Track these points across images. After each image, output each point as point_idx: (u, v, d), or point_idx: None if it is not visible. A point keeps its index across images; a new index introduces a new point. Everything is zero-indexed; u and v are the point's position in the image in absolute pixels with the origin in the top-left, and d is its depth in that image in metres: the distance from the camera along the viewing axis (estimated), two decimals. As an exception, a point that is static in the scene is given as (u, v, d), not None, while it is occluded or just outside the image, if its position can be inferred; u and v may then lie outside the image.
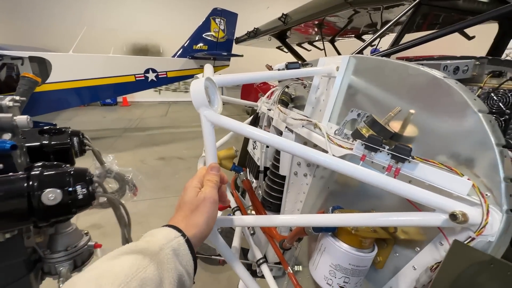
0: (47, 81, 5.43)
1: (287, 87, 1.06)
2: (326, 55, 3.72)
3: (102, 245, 0.97)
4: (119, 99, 10.31)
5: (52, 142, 0.95)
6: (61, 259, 0.88)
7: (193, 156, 5.31)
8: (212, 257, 2.62)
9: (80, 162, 0.95)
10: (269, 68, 1.22)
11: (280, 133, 1.04)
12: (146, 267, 0.39)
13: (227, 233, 1.15)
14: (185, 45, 6.90)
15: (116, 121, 7.88)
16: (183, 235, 0.47)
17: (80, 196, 0.75)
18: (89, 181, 0.79)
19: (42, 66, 5.41)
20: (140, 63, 6.32)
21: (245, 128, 0.53)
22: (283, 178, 0.99)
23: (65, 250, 0.88)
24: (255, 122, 1.33)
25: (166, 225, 0.49)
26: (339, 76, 0.87)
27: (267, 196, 1.04)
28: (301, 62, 3.28)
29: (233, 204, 1.11)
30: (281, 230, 0.99)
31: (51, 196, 0.71)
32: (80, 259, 0.92)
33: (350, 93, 0.86)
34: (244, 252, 1.10)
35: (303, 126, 0.85)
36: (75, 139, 0.99)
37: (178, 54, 6.88)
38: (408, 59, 1.41)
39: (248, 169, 1.34)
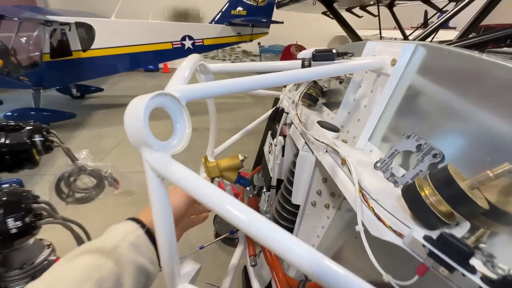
0: (92, 47, 5.63)
1: (315, 82, 0.77)
2: (380, 26, 3.09)
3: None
4: (161, 65, 10.52)
5: (8, 142, 0.80)
6: (16, 278, 0.77)
7: (224, 129, 5.21)
8: (229, 236, 2.61)
9: (49, 160, 0.84)
10: (294, 53, 0.91)
11: (297, 149, 0.78)
12: (102, 265, 0.39)
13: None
14: (223, 9, 6.48)
15: (156, 88, 7.77)
16: (143, 226, 0.47)
17: (14, 231, 0.63)
18: (27, 210, 0.66)
19: (88, 32, 5.58)
20: (177, 29, 6.16)
21: (203, 190, 0.31)
22: (295, 205, 0.76)
23: (20, 268, 0.77)
24: (274, 119, 1.08)
25: (128, 218, 0.50)
26: (395, 75, 0.57)
27: (276, 223, 0.83)
28: (349, 34, 2.74)
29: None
30: (288, 266, 0.80)
31: None
32: (40, 275, 0.84)
33: (409, 103, 0.56)
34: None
35: (326, 151, 0.59)
36: (37, 137, 0.85)
37: (215, 19, 6.53)
38: (488, 28, 0.97)
39: (262, 173, 1.13)
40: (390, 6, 3.20)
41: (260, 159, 1.18)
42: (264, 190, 1.21)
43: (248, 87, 0.45)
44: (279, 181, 0.90)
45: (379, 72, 0.63)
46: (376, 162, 0.54)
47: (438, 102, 0.48)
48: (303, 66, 0.64)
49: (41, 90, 5.20)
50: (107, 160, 4.11)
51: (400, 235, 0.34)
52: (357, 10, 4.07)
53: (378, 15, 2.88)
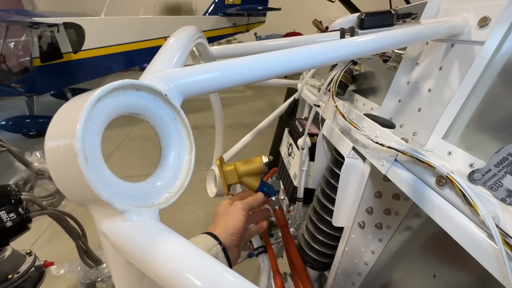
0: (83, 48, 5.41)
1: (354, 62, 0.58)
2: (390, 2, 2.86)
3: (54, 262, 0.78)
4: (156, 63, 10.26)
5: None
6: None
7: (226, 126, 5.04)
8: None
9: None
10: (319, 26, 0.72)
11: (336, 154, 0.59)
12: None
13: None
14: (216, 0, 6.20)
15: (152, 87, 7.88)
16: (220, 243, 0.50)
17: (9, 224, 0.59)
18: (17, 201, 0.62)
19: (78, 33, 5.36)
20: (170, 24, 5.92)
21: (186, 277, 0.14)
22: (335, 227, 0.58)
23: (6, 280, 0.70)
24: (292, 113, 0.89)
25: (205, 233, 0.53)
26: (491, 41, 0.38)
27: (309, 248, 0.65)
28: (352, 12, 2.50)
29: (257, 241, 0.75)
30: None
31: None
32: (30, 284, 0.75)
33: (510, 86, 0.37)
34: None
35: (396, 160, 0.40)
36: None
37: (209, 11, 6.26)
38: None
39: (279, 176, 0.95)
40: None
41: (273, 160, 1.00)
42: (283, 197, 1.03)
43: (283, 69, 0.26)
44: (306, 191, 0.72)
45: (455, 40, 0.44)
46: (472, 172, 0.36)
47: None
48: (342, 38, 0.46)
49: (34, 97, 5.02)
50: (109, 166, 3.97)
51: None
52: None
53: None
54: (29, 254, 0.73)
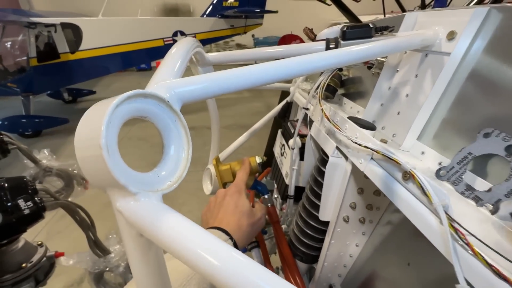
0: (81, 48, 5.41)
1: (340, 69, 0.63)
2: (384, 7, 2.94)
3: (64, 253, 0.81)
4: (153, 63, 10.27)
5: None
6: (18, 279, 0.72)
7: (223, 127, 5.07)
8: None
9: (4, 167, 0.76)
10: (309, 34, 0.77)
11: (323, 153, 0.63)
12: None
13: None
14: (214, 1, 6.25)
15: (150, 88, 7.90)
16: (231, 238, 0.50)
17: (27, 212, 0.61)
18: (33, 191, 0.64)
19: (75, 33, 5.36)
20: (168, 25, 5.94)
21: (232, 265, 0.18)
22: (322, 221, 0.63)
23: (20, 268, 0.72)
24: (284, 116, 0.94)
25: (214, 227, 0.52)
26: (457, 52, 0.43)
27: (298, 242, 0.70)
28: (349, 19, 2.56)
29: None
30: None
31: None
32: (42, 273, 0.77)
33: (478, 88, 0.42)
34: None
35: (372, 158, 0.45)
36: None
37: (207, 12, 6.30)
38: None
39: (272, 176, 0.99)
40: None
41: (267, 160, 1.04)
42: (276, 196, 1.08)
43: (270, 78, 0.30)
44: (297, 189, 0.76)
45: (428, 50, 0.49)
46: (439, 169, 0.40)
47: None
48: (327, 48, 0.50)
49: (30, 96, 5.01)
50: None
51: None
52: (354, -6, 3.90)
53: (381, -4, 2.71)
54: (41, 245, 0.76)
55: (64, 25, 5.13)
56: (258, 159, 0.69)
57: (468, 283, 0.26)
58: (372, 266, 0.61)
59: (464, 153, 0.39)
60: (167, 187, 0.22)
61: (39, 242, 0.76)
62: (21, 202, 0.60)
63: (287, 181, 0.78)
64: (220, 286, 0.17)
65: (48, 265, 0.76)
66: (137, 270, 0.21)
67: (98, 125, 0.17)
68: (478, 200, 0.35)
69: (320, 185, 0.61)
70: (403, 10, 3.01)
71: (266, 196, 0.70)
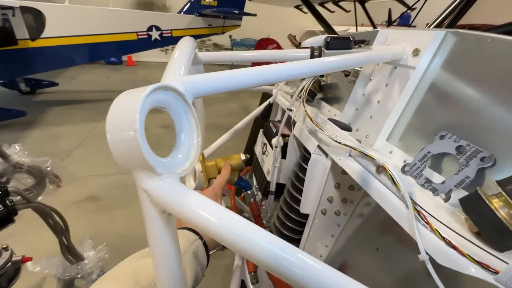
0: (42, 36, 4.98)
1: (321, 75, 0.69)
2: (356, 20, 3.14)
3: (32, 258, 0.76)
4: (124, 58, 9.76)
5: None
6: None
7: (198, 126, 5.03)
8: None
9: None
10: (293, 41, 0.82)
11: (304, 151, 0.69)
12: None
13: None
14: (192, -1, 6.16)
15: (120, 82, 7.50)
16: (201, 238, 0.53)
17: None
18: (4, 193, 0.61)
19: (37, 19, 4.93)
20: (142, 19, 5.72)
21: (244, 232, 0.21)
22: (302, 214, 0.68)
23: None
24: (267, 116, 0.98)
25: (184, 228, 0.53)
26: (420, 66, 0.50)
27: (279, 234, 0.74)
28: (325, 29, 2.69)
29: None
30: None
31: None
32: (5, 279, 0.72)
33: (436, 98, 0.50)
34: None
35: (350, 155, 0.51)
36: None
37: (184, 10, 6.18)
38: (474, 27, 0.99)
39: (254, 176, 1.03)
40: (363, 2, 3.25)
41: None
42: (256, 193, 1.11)
43: (270, 79, 0.35)
44: (278, 185, 0.81)
45: (397, 63, 0.56)
46: (404, 165, 0.47)
47: (479, 98, 0.42)
48: (312, 56, 0.55)
49: (-20, 85, 4.49)
50: (68, 163, 3.69)
51: (488, 268, 0.27)
52: (329, 5, 4.11)
53: (355, 10, 2.91)
54: (6, 249, 0.70)
55: (24, 9, 4.69)
56: (243, 156, 0.72)
57: (427, 254, 0.32)
58: (345, 255, 0.67)
59: (424, 152, 0.46)
60: (183, 171, 0.24)
61: (4, 246, 0.70)
62: None
63: (268, 178, 0.82)
64: (240, 252, 0.20)
65: (13, 271, 0.70)
66: (156, 244, 0.23)
67: (132, 112, 0.19)
68: (434, 190, 0.42)
69: (301, 181, 0.66)
70: (373, 25, 3.26)
71: (249, 192, 0.74)
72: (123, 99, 0.21)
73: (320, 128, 0.55)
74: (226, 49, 10.66)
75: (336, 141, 0.50)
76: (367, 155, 0.45)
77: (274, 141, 0.76)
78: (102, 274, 0.83)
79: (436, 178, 0.44)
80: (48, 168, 0.91)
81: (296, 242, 0.73)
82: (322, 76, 0.71)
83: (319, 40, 0.58)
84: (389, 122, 0.55)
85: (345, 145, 0.48)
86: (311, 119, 0.58)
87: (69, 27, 5.21)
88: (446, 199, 0.40)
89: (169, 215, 0.22)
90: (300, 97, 0.66)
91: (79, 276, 0.78)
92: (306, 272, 0.22)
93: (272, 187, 0.79)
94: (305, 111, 0.61)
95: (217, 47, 10.63)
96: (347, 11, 4.17)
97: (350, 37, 0.54)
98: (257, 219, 0.74)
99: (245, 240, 0.20)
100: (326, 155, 0.60)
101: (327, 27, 2.81)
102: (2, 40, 4.58)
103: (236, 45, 10.44)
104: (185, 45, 0.39)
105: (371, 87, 0.64)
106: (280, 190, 0.82)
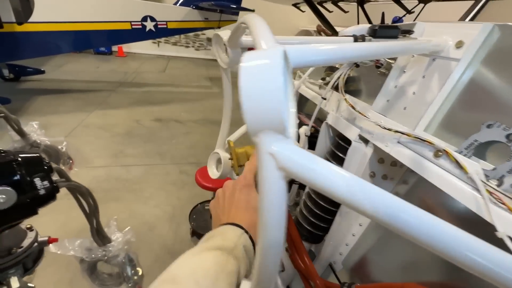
0: (30, 21, 4.74)
1: (356, 65, 0.69)
2: (358, 21, 3.20)
3: (58, 239, 0.73)
4: (114, 48, 9.46)
5: None
6: (6, 265, 0.65)
7: (192, 121, 4.96)
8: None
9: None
10: (325, 30, 0.82)
11: (340, 139, 0.69)
12: (229, 261, 0.43)
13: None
14: (189, -9, 6.03)
15: (110, 73, 7.28)
16: (246, 232, 0.51)
17: (42, 192, 0.55)
18: (49, 169, 0.58)
19: (24, 2, 4.68)
20: (137, 8, 5.55)
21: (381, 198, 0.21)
22: (333, 202, 0.69)
23: (9, 254, 0.65)
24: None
25: (228, 223, 0.52)
26: (464, 59, 0.51)
27: (306, 222, 0.75)
28: (326, 27, 2.71)
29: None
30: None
31: (0, 198, 0.51)
32: (31, 260, 0.70)
33: (477, 90, 0.51)
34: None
35: (398, 142, 0.51)
36: None
37: (180, 1, 6.05)
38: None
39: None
40: (362, 3, 3.30)
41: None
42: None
43: (359, 55, 0.35)
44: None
45: (436, 55, 0.57)
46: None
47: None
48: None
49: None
50: (55, 154, 3.53)
51: None
52: (328, 5, 4.15)
53: (358, 11, 2.95)
54: (30, 229, 0.68)
55: (11, -9, 4.44)
56: None
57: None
58: (374, 244, 0.68)
59: (470, 140, 0.47)
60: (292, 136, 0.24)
61: (28, 225, 0.68)
62: (37, 181, 0.54)
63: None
64: (377, 220, 0.20)
65: (37, 252, 0.68)
66: (272, 212, 0.22)
67: (275, 69, 0.19)
68: (485, 176, 0.43)
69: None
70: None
71: None
72: (258, 54, 0.20)
73: (364, 116, 0.56)
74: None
75: (385, 128, 0.51)
76: (424, 140, 0.45)
77: (302, 130, 0.76)
78: (128, 258, 0.81)
79: (483, 165, 0.45)
80: (63, 149, 0.87)
81: (322, 230, 0.74)
82: (357, 66, 0.72)
83: (360, 28, 0.58)
84: (429, 112, 0.56)
85: (397, 131, 0.49)
86: (352, 107, 0.59)
87: (59, 12, 4.98)
88: (499, 185, 0.41)
89: (283, 176, 0.22)
90: (336, 87, 0.66)
91: (105, 258, 0.76)
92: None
93: (297, 177, 0.79)
94: (345, 99, 0.62)
95: (211, 41, 10.50)
96: (346, 12, 4.23)
97: (398, 26, 0.54)
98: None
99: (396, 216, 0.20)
100: (366, 142, 0.60)
101: (328, 26, 2.84)
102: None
103: (230, 41, 10.36)
104: (261, 19, 0.38)
105: (405, 79, 0.65)
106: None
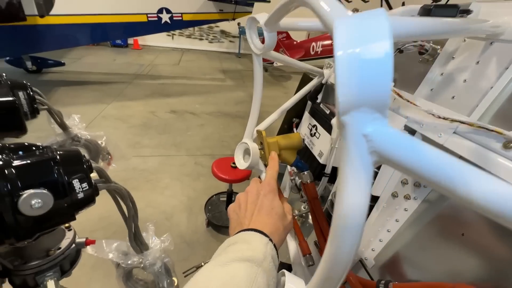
0: (51, 13, 4.86)
1: (400, 50, 0.65)
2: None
3: (95, 240, 0.70)
4: (130, 41, 9.58)
5: None
6: (44, 268, 0.60)
7: (206, 113, 4.97)
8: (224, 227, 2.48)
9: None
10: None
11: None
12: (257, 275, 0.41)
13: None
14: (205, -18, 5.97)
15: (126, 66, 7.39)
16: (271, 240, 0.49)
17: (81, 196, 0.48)
18: (89, 169, 0.51)
19: (46, -6, 4.79)
20: (152, 0, 5.56)
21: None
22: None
23: (46, 255, 0.60)
24: (315, 97, 0.94)
25: (251, 229, 0.50)
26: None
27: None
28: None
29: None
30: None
31: (36, 202, 0.42)
32: (68, 262, 0.65)
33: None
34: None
35: (454, 132, 0.47)
36: (21, 94, 0.63)
37: (195, -7, 6.00)
38: None
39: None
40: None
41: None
42: (292, 178, 1.09)
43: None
44: (334, 169, 0.78)
45: (494, 39, 0.52)
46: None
47: None
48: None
49: (-13, 61, 4.40)
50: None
51: None
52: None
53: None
54: (69, 228, 0.63)
55: (33, -16, 4.55)
56: (302, 136, 0.69)
57: None
58: (410, 241, 0.65)
59: (538, 132, 0.43)
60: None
61: (67, 225, 0.64)
62: (76, 183, 0.47)
63: (321, 160, 0.79)
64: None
65: (74, 253, 0.64)
66: (356, 200, 0.20)
67: (384, 31, 0.16)
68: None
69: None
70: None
71: (305, 173, 0.71)
72: (360, 15, 0.17)
73: (414, 104, 0.52)
74: (234, 37, 10.48)
75: (439, 117, 0.47)
76: (491, 130, 0.41)
77: (334, 120, 0.72)
78: (165, 267, 0.78)
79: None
80: (103, 144, 0.87)
81: (356, 225, 0.71)
82: (401, 52, 0.67)
83: (409, 9, 0.53)
84: (484, 102, 0.51)
85: (453, 120, 0.45)
86: (399, 95, 0.55)
87: (78, 5, 5.07)
88: None
89: (374, 159, 0.19)
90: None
91: (142, 265, 0.72)
92: None
93: (328, 169, 0.76)
94: (393, 89, 0.58)
95: (225, 34, 10.43)
96: (366, 1, 4.06)
97: (457, 5, 0.49)
98: (314, 201, 0.72)
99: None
100: (412, 133, 0.56)
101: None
102: (11, 15, 4.45)
103: (244, 33, 10.23)
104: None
105: (454, 65, 0.60)
106: (333, 173, 0.79)
